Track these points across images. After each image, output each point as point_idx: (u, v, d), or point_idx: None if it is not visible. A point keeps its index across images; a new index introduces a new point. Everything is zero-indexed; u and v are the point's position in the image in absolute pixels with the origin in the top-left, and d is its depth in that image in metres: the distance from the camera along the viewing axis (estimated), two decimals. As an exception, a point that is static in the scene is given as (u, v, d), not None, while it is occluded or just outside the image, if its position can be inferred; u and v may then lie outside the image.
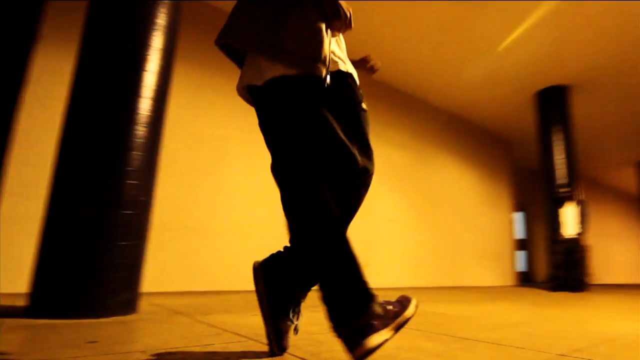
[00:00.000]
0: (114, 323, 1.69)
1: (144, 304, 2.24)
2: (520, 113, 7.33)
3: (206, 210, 4.00)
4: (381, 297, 1.06)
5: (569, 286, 5.75)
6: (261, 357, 1.12)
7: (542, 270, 9.87)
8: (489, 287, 6.72)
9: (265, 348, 1.18)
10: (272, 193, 4.52)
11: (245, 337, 1.45)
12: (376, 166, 5.16)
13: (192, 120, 4.06)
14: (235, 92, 1.34)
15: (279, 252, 1.17)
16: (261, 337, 1.44)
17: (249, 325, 1.70)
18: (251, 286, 1.15)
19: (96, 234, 1.92)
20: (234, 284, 3.95)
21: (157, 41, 2.14)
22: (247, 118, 4.53)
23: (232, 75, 4.52)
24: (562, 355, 1.27)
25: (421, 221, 6.36)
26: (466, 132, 7.78)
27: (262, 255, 1.18)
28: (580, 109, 6.94)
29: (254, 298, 1.13)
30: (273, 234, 4.45)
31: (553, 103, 6.53)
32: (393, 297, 1.15)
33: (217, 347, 1.27)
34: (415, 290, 5.01)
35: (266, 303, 1.09)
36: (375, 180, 5.15)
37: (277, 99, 1.12)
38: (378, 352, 0.99)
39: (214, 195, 4.08)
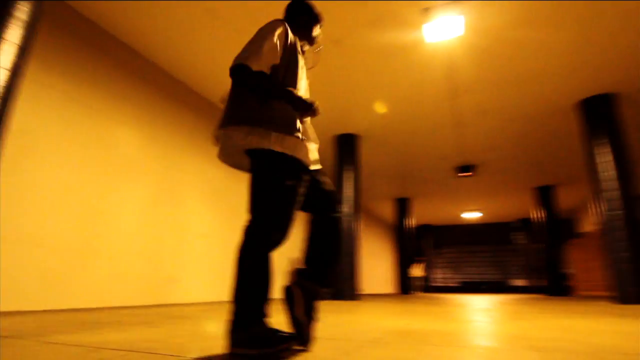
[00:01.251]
0: None
1: None
2: (324, 151, 8.66)
3: (-3, 218, 3.29)
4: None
5: (348, 296, 7.07)
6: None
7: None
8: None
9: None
10: (85, 197, 4.06)
11: (133, 350, 1.47)
12: (194, 181, 5.39)
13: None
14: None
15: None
16: (149, 349, 1.51)
17: (117, 341, 1.67)
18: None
19: None
20: (22, 303, 3.37)
21: (14, 36, 1.87)
22: (64, 110, 4.00)
23: (41, 55, 3.97)
24: (372, 341, 1.82)
25: (232, 237, 6.50)
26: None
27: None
28: (365, 154, 8.76)
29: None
30: (79, 246, 4.00)
31: (347, 147, 8.02)
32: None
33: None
34: (224, 304, 5.19)
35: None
36: (191, 195, 5.46)
37: None
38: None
39: (11, 200, 3.39)
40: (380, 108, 6.89)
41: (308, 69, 1.81)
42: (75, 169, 4.08)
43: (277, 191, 1.49)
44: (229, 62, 5.36)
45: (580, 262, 13.46)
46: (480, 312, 4.06)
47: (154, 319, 2.78)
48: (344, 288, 7.25)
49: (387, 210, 15.53)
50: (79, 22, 4.44)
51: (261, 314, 1.39)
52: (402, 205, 13.63)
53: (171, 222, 5.33)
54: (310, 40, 1.87)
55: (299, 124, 1.54)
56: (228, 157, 1.63)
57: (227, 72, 1.59)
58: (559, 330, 2.31)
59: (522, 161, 9.61)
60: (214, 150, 6.43)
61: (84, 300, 3.95)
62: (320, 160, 7.06)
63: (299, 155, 1.51)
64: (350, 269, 7.38)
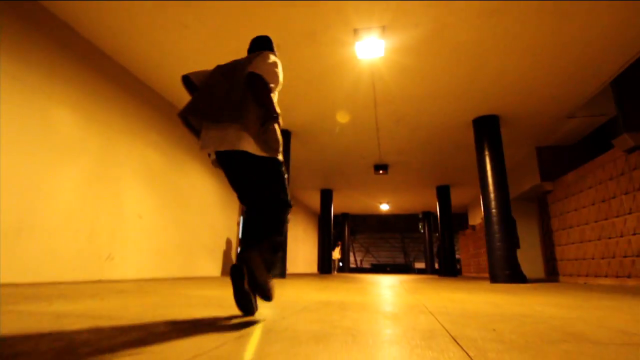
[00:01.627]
0: None
1: None
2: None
3: None
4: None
5: (276, 275, 7.38)
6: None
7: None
8: (217, 277, 7.61)
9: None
10: (21, 174, 3.88)
11: (97, 317, 1.57)
12: (132, 164, 5.35)
13: None
14: None
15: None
16: (111, 317, 1.63)
17: (75, 311, 1.73)
18: None
19: None
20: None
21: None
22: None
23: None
24: (302, 309, 2.13)
25: (167, 218, 6.52)
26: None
27: None
28: (295, 149, 9.07)
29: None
30: (14, 222, 3.80)
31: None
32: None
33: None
34: (159, 281, 5.16)
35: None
36: (129, 177, 5.49)
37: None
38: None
39: None
40: (342, 118, 7.26)
41: None
42: (10, 144, 3.83)
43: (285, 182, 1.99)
44: (174, 51, 5.39)
45: (468, 249, 15.27)
46: (387, 288, 4.61)
47: (98, 293, 2.81)
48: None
49: (312, 199, 16.06)
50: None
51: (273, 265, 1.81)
52: (326, 195, 14.24)
53: (108, 202, 5.19)
54: None
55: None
56: (222, 145, 1.84)
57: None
58: (446, 301, 2.84)
59: (426, 164, 10.66)
60: (154, 135, 6.36)
61: (16, 275, 3.76)
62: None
63: None
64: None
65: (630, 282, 5.72)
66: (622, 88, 6.81)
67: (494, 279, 6.69)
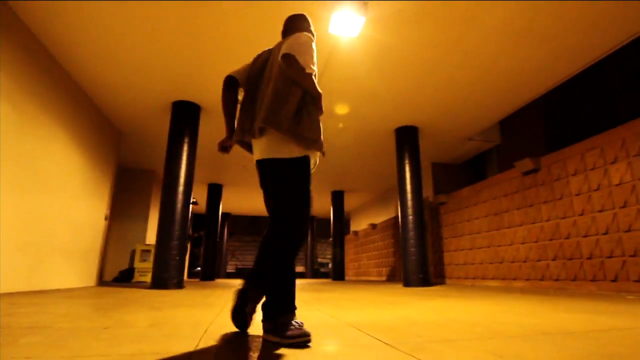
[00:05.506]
0: None
1: None
2: (156, 119, 7.15)
3: None
4: None
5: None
6: None
7: (112, 270, 9.34)
8: (76, 288, 5.68)
9: None
10: None
11: None
12: None
13: None
14: None
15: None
16: None
17: None
18: None
19: None
20: None
21: None
22: None
23: None
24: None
25: (10, 205, 4.34)
26: (86, 109, 6.53)
27: None
28: (201, 130, 7.62)
29: None
30: None
31: (183, 117, 6.58)
32: None
33: None
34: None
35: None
36: None
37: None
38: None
39: None
40: (340, 110, 6.48)
41: None
42: None
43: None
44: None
45: (349, 254, 15.83)
46: (344, 299, 4.03)
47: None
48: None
49: (194, 192, 14.18)
50: None
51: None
52: (215, 191, 12.70)
53: None
54: None
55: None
56: (260, 154, 1.65)
57: None
58: (438, 311, 2.43)
59: (333, 167, 10.50)
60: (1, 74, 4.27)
61: None
62: (151, 128, 5.68)
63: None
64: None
65: (516, 284, 6.51)
66: (506, 125, 7.90)
67: (408, 283, 6.78)
